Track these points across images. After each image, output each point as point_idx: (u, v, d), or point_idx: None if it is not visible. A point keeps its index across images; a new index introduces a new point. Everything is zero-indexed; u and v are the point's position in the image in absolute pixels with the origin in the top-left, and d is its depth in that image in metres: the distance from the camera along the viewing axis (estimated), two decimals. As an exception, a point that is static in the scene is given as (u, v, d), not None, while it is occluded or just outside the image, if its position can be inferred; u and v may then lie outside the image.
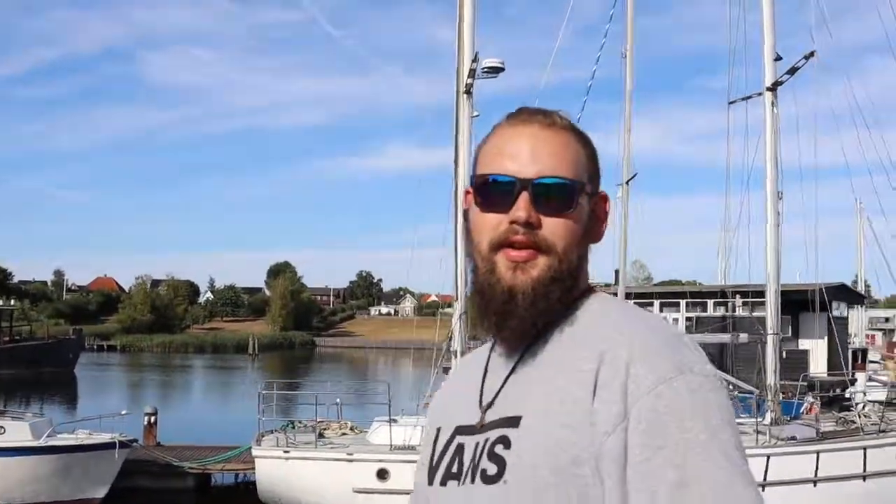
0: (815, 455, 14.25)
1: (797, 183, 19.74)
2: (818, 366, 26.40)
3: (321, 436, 15.88)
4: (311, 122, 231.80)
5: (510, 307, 1.32)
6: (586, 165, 1.38)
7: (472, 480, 1.30)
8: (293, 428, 16.51)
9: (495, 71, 16.83)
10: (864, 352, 31.61)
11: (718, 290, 28.48)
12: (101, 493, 16.60)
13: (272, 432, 16.28)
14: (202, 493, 18.66)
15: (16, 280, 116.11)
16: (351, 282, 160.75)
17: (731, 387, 16.25)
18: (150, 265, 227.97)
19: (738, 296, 26.86)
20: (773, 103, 17.52)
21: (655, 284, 68.24)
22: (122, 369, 66.36)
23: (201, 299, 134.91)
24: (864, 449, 14.47)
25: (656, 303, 31.54)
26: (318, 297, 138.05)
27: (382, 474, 14.53)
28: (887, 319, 70.02)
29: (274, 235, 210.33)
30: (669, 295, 34.10)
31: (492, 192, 1.35)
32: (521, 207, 1.31)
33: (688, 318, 29.53)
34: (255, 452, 15.57)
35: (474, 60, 15.91)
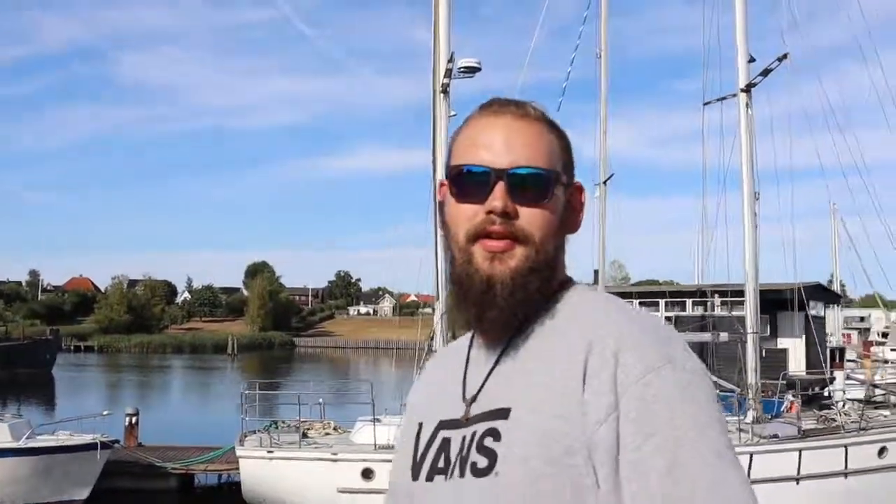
0: (797, 453, 14.40)
1: (772, 183, 19.95)
2: (796, 365, 26.67)
3: (305, 436, 15.85)
4: (286, 121, 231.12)
5: (488, 297, 1.31)
6: (560, 156, 1.38)
7: (462, 474, 1.29)
8: (276, 428, 16.47)
9: (471, 71, 16.84)
10: (842, 351, 31.95)
11: (697, 289, 28.74)
12: (82, 494, 16.47)
13: (255, 432, 16.22)
14: (185, 493, 18.57)
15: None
16: (329, 282, 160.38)
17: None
18: (126, 265, 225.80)
19: (716, 295, 27.10)
20: (747, 105, 17.69)
21: (633, 284, 68.65)
22: (100, 370, 65.80)
23: (179, 299, 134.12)
24: (846, 447, 14.66)
25: (635, 302, 31.64)
26: (297, 297, 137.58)
27: (367, 474, 14.52)
28: (862, 319, 70.80)
29: (251, 235, 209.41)
30: (648, 294, 34.38)
31: (467, 182, 1.34)
32: (498, 197, 1.30)
33: (667, 318, 29.72)
34: (238, 453, 15.51)
35: (450, 60, 15.90)
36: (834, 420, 15.77)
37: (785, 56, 17.02)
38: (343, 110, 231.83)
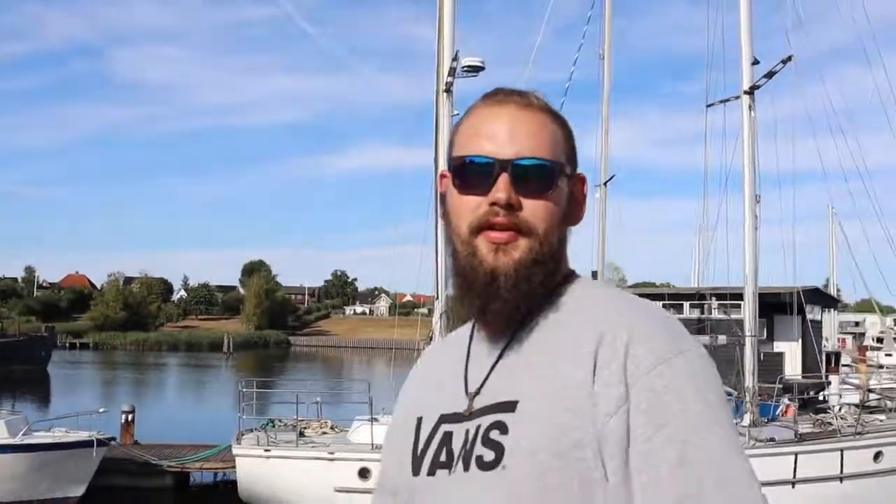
0: (793, 456, 14.43)
1: (774, 186, 19.93)
2: (793, 369, 26.66)
3: (301, 435, 15.85)
4: (287, 119, 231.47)
5: (492, 289, 1.29)
6: (564, 146, 1.36)
7: (466, 468, 1.27)
8: (273, 427, 16.46)
9: (475, 70, 16.85)
10: (838, 355, 31.92)
11: (695, 292, 28.71)
12: (78, 491, 16.46)
13: (252, 431, 16.22)
14: (181, 491, 18.57)
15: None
16: (326, 281, 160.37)
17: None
18: (122, 262, 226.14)
19: (713, 298, 27.08)
20: (750, 107, 17.69)
21: (629, 287, 68.72)
22: (95, 367, 65.76)
23: (175, 297, 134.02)
24: (842, 450, 14.69)
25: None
26: (293, 296, 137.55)
27: (364, 473, 14.51)
28: (857, 323, 70.89)
29: (248, 233, 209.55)
30: (646, 296, 34.26)
31: (470, 173, 1.32)
32: (501, 189, 1.28)
33: (665, 320, 29.66)
34: (235, 451, 15.50)
35: (454, 59, 15.90)
36: (830, 424, 15.80)
37: (789, 58, 17.03)
38: (344, 108, 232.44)
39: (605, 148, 25.89)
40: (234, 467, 15.96)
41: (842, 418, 16.09)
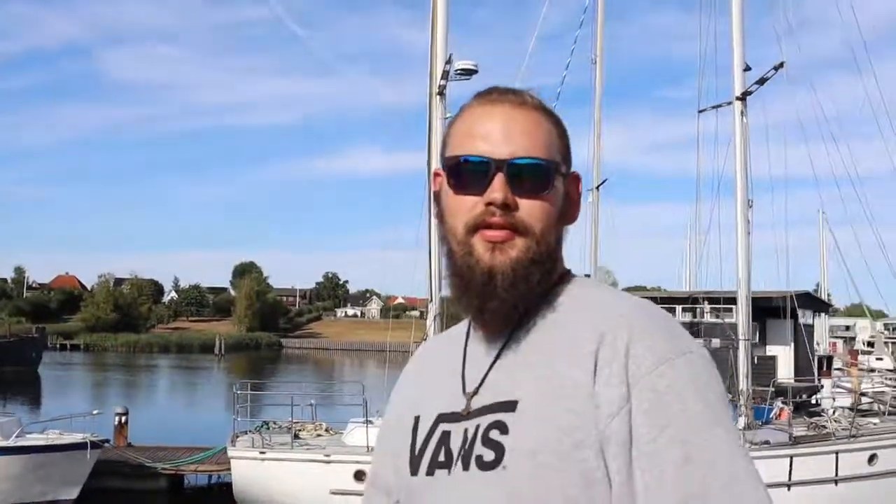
0: (788, 459, 14.48)
1: (765, 191, 20.01)
2: (785, 372, 26.78)
3: (296, 437, 15.83)
4: (278, 122, 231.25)
5: (489, 289, 1.28)
6: (558, 145, 1.34)
7: (466, 467, 1.26)
8: (268, 429, 16.43)
9: (468, 73, 16.87)
10: (830, 359, 32.09)
11: (687, 296, 28.81)
12: (72, 494, 16.35)
13: (247, 433, 16.19)
14: (175, 494, 18.50)
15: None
16: (317, 283, 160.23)
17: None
18: (112, 263, 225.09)
19: (706, 302, 27.16)
20: (742, 113, 17.75)
21: (621, 290, 68.74)
22: (86, 369, 65.46)
23: (165, 299, 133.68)
24: (837, 453, 14.77)
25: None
26: (284, 298, 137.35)
27: (359, 475, 14.48)
28: (847, 328, 71.13)
29: (239, 235, 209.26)
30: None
31: (465, 173, 1.30)
32: (497, 189, 1.27)
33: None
34: (230, 453, 15.47)
35: (448, 62, 15.91)
36: (825, 427, 15.86)
37: (781, 65, 17.11)
38: (334, 111, 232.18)
39: (598, 152, 25.96)
40: (228, 469, 15.92)
41: (836, 421, 16.16)
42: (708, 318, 27.84)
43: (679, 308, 30.78)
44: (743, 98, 17.66)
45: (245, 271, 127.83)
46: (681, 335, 1.25)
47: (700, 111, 19.99)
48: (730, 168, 18.30)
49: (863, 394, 20.81)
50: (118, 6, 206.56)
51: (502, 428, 1.24)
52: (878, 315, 62.20)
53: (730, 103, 18.11)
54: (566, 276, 1.37)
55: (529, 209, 1.29)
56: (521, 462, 1.21)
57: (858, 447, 14.98)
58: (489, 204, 1.27)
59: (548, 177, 1.31)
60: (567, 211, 1.36)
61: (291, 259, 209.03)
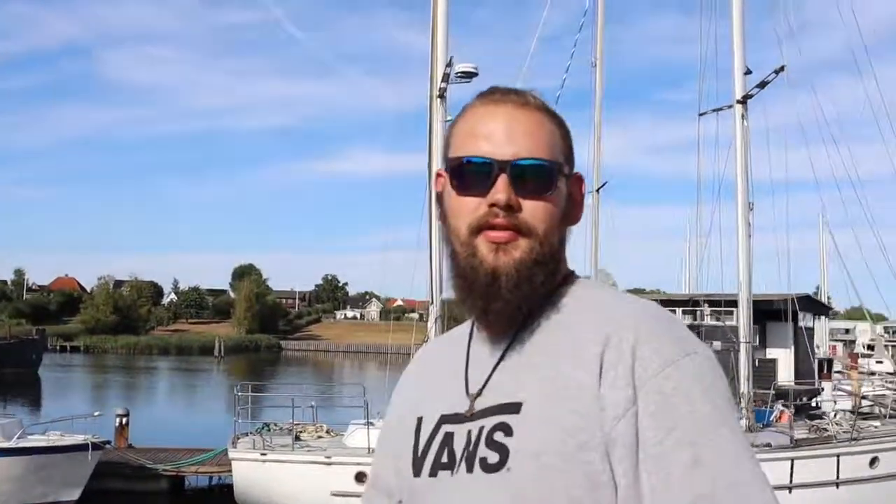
0: (789, 462, 14.48)
1: (766, 194, 20.03)
2: (785, 375, 26.79)
3: (297, 438, 15.83)
4: (276, 124, 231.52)
5: (494, 290, 1.27)
6: (561, 146, 1.34)
7: (470, 469, 1.25)
8: (269, 430, 16.42)
9: (469, 76, 16.89)
10: (830, 362, 32.09)
11: (688, 298, 28.80)
12: (73, 495, 16.34)
13: (248, 435, 16.18)
14: (176, 495, 18.50)
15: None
16: (316, 285, 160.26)
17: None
18: (112, 265, 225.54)
19: (706, 304, 27.16)
20: (743, 116, 17.77)
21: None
22: (86, 370, 65.44)
23: (165, 301, 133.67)
24: (838, 456, 14.77)
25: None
26: (284, 300, 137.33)
27: (360, 477, 14.47)
28: (847, 331, 71.12)
29: (239, 237, 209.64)
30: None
31: (468, 174, 1.30)
32: (501, 190, 1.26)
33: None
34: (231, 455, 15.47)
35: (448, 64, 15.92)
36: (826, 430, 15.86)
37: (782, 68, 17.10)
38: (333, 113, 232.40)
39: (598, 155, 25.98)
40: (229, 471, 15.91)
41: (837, 424, 16.16)
42: (708, 321, 27.85)
43: (679, 311, 30.78)
44: (744, 101, 17.67)
45: (244, 273, 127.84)
46: (686, 336, 1.25)
47: (701, 114, 20.04)
48: (730, 171, 18.33)
49: (863, 397, 20.81)
50: (118, 7, 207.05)
51: (506, 430, 1.24)
52: (878, 318, 62.15)
53: (730, 106, 18.13)
54: (570, 278, 1.37)
55: (533, 210, 1.28)
56: (526, 464, 1.20)
57: (860, 450, 14.98)
58: (492, 205, 1.27)
59: (551, 178, 1.30)
60: (570, 212, 1.36)
61: (291, 261, 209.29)
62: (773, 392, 18.51)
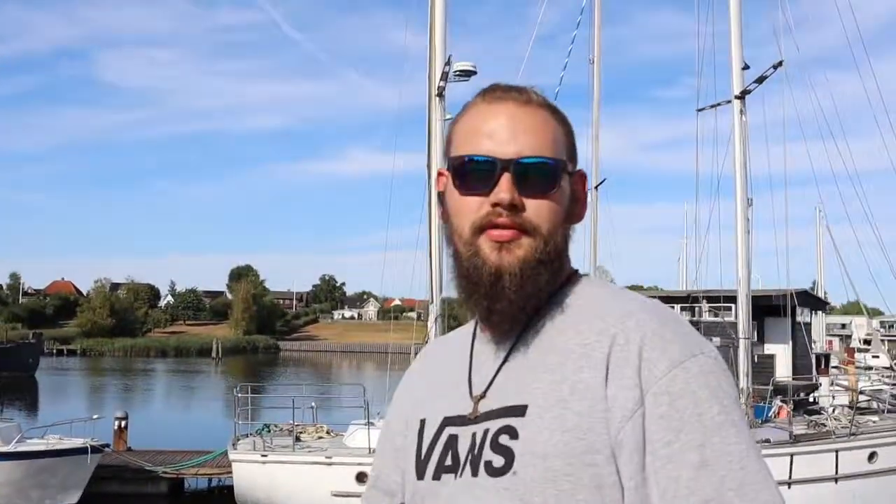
0: (788, 457, 14.50)
1: (764, 190, 20.02)
2: (783, 371, 26.82)
3: (298, 439, 15.83)
4: (273, 125, 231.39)
5: (497, 289, 1.25)
6: (564, 143, 1.32)
7: (475, 473, 1.23)
8: (269, 431, 16.41)
9: (467, 74, 16.90)
10: (827, 357, 32.14)
11: (686, 294, 28.83)
12: (73, 499, 16.34)
13: (248, 436, 16.17)
14: (176, 497, 18.50)
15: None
16: (314, 286, 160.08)
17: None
18: (108, 268, 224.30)
19: (705, 301, 27.20)
20: (741, 111, 17.76)
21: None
22: (83, 374, 65.28)
23: (162, 303, 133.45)
24: (837, 451, 14.79)
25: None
26: (281, 301, 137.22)
27: (361, 478, 14.47)
28: (843, 326, 71.26)
29: (235, 238, 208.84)
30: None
31: (470, 173, 1.28)
32: (504, 189, 1.24)
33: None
34: (231, 456, 15.45)
35: (447, 63, 15.91)
36: (824, 425, 15.87)
37: (780, 64, 17.11)
38: (330, 113, 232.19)
39: (596, 152, 26.07)
40: (229, 473, 15.90)
41: (836, 419, 16.18)
42: (707, 317, 27.88)
43: (677, 307, 30.82)
44: (742, 97, 17.66)
45: (241, 275, 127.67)
46: (692, 336, 1.24)
47: (699, 110, 20.05)
48: (728, 167, 18.32)
49: (860, 392, 20.84)
50: (113, 10, 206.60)
51: (512, 433, 1.22)
52: (874, 313, 62.25)
53: (728, 102, 18.13)
54: (574, 277, 1.35)
55: (536, 209, 1.26)
56: (532, 467, 1.19)
57: (858, 445, 15.00)
58: (496, 205, 1.25)
59: (555, 176, 1.28)
60: (573, 210, 1.34)
61: (288, 261, 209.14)
62: (771, 388, 18.52)
